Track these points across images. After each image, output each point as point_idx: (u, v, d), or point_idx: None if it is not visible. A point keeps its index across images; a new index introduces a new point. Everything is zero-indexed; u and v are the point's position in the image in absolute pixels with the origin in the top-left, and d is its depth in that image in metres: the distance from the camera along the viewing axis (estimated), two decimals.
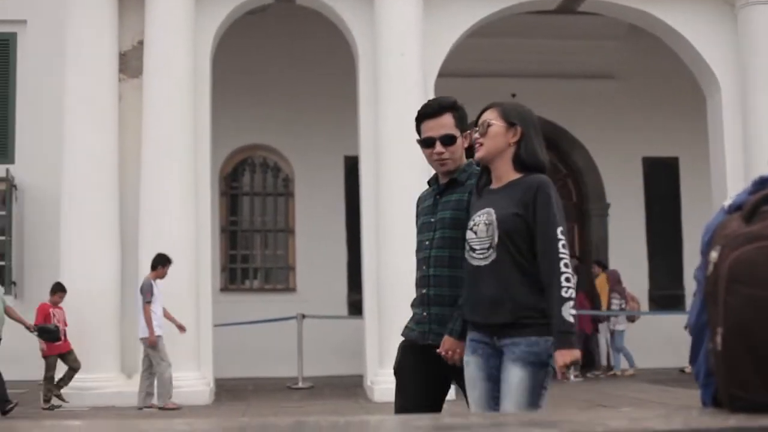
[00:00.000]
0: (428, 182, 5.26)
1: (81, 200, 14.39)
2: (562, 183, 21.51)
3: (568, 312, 4.27)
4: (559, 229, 4.37)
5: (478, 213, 4.59)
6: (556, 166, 21.54)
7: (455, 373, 4.85)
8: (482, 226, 4.52)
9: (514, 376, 4.44)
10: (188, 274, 14.40)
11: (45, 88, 18.64)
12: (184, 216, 14.45)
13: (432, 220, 5.03)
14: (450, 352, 4.76)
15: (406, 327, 5.12)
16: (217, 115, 16.29)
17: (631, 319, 19.08)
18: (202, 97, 15.03)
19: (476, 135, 4.67)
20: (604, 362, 19.63)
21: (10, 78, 19.61)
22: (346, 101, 16.79)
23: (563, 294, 4.28)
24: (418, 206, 5.27)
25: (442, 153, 4.96)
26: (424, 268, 5.00)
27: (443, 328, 4.82)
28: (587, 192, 21.43)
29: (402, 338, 5.14)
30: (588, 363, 18.97)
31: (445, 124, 4.98)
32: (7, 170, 18.71)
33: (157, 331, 13.33)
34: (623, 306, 18.87)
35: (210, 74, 15.39)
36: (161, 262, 13.54)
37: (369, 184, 15.11)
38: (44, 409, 13.43)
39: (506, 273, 4.43)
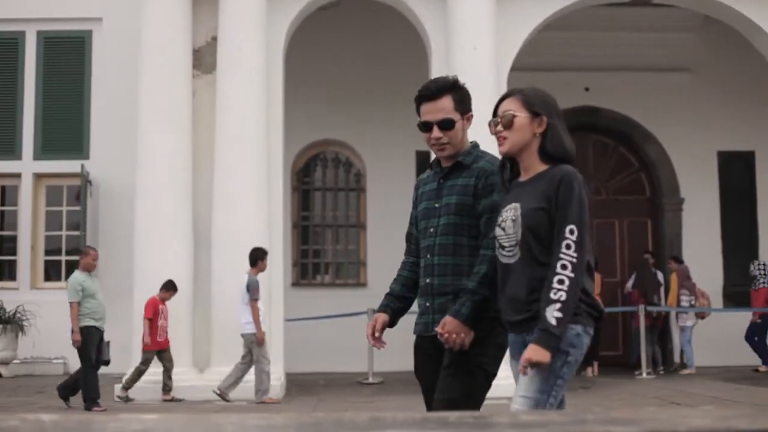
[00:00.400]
0: (430, 165, 5.01)
1: (155, 196, 14.51)
2: (634, 177, 21.32)
3: (552, 314, 4.03)
4: (569, 228, 4.11)
5: (506, 208, 4.36)
6: (628, 159, 21.35)
7: (445, 358, 4.64)
8: (509, 222, 4.30)
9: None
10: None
11: (119, 84, 18.84)
12: (256, 211, 14.50)
13: (436, 205, 4.79)
14: (453, 335, 4.53)
15: (416, 323, 4.92)
16: (290, 110, 16.33)
17: (701, 315, 18.79)
18: (274, 93, 15.08)
19: (499, 128, 4.38)
20: (677, 359, 19.41)
21: (85, 75, 19.84)
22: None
23: (551, 295, 4.05)
24: (417, 190, 5.00)
25: (440, 138, 4.74)
26: (428, 256, 4.77)
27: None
28: (661, 186, 21.18)
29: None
30: (658, 360, 18.76)
31: (444, 107, 4.76)
32: (82, 166, 18.94)
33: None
34: (692, 302, 18.61)
35: (282, 69, 15.43)
36: (260, 256, 13.53)
37: None
38: (119, 397, 13.52)
39: (531, 270, 4.23)
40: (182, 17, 14.96)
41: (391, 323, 4.97)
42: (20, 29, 19.94)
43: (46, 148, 19.74)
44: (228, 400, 13.14)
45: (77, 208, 19.35)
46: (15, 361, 18.55)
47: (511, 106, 4.37)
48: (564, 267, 4.07)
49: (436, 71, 15.24)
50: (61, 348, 18.77)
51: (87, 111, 19.77)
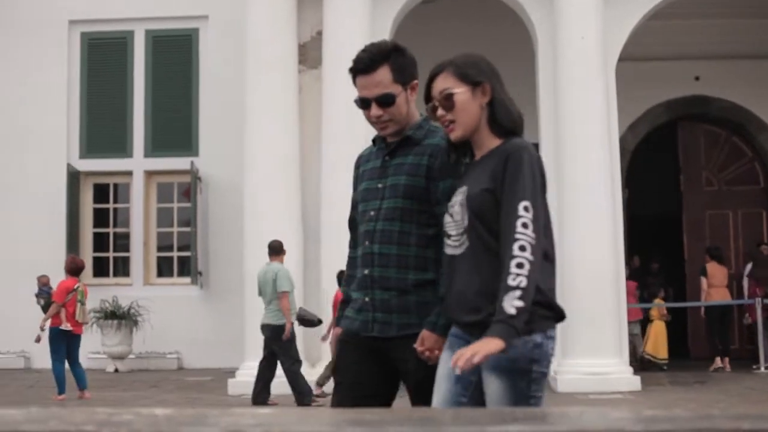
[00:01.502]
0: (373, 140, 4.40)
1: (263, 191, 14.62)
2: (748, 167, 20.87)
3: (511, 303, 3.42)
4: (523, 204, 3.48)
5: (456, 192, 3.78)
6: (741, 149, 20.91)
7: (405, 371, 4.09)
8: (457, 208, 3.73)
9: (493, 390, 3.67)
10: None
11: (227, 81, 19.04)
12: None
13: (379, 185, 4.18)
14: (434, 351, 3.93)
15: (345, 316, 4.29)
16: None
17: None
18: None
19: (440, 112, 3.74)
20: None
21: (192, 72, 20.10)
22: (525, 88, 16.63)
23: (510, 282, 3.43)
24: (357, 168, 4.40)
25: (380, 116, 4.11)
26: (367, 243, 4.14)
27: (389, 316, 4.09)
28: None
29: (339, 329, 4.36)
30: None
31: (381, 80, 4.09)
32: (192, 163, 19.20)
33: None
34: None
35: None
36: None
37: (550, 171, 14.94)
38: (316, 396, 12.95)
39: (478, 262, 3.66)
40: (287, 13, 15.05)
41: None
42: (129, 29, 20.27)
43: (156, 146, 20.05)
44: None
45: (187, 204, 19.61)
46: (130, 356, 18.87)
47: (447, 84, 3.73)
48: (522, 248, 3.44)
49: (543, 62, 15.13)
50: (175, 343, 19.07)
51: (195, 108, 20.03)
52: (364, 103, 4.14)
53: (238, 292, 14.85)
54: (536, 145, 15.66)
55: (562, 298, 13.05)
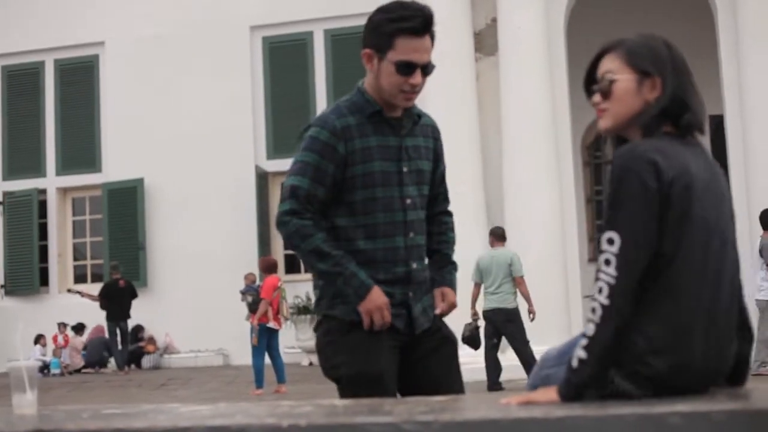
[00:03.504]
0: (352, 108, 3.81)
1: (447, 178, 14.67)
2: None
3: (577, 352, 2.75)
4: (606, 236, 2.74)
5: None
6: None
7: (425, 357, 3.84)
8: None
9: None
10: (554, 245, 14.39)
11: None
12: (548, 188, 14.46)
13: (404, 169, 3.80)
14: (449, 307, 3.91)
15: (394, 314, 3.78)
16: (575, 85, 16.15)
17: None
18: (558, 69, 14.98)
19: (596, 98, 3.06)
20: None
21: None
22: (707, 58, 16.28)
23: (585, 329, 2.84)
24: (345, 141, 3.74)
25: (418, 85, 3.74)
26: (410, 235, 3.81)
27: (426, 310, 3.86)
28: None
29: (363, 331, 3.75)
30: None
31: (428, 47, 3.73)
32: None
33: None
34: None
35: (565, 45, 15.30)
36: None
37: (736, 145, 14.60)
38: None
39: None
40: (462, 2, 15.08)
41: None
42: (308, 30, 20.66)
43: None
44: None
45: None
46: None
47: (611, 66, 3.05)
48: (600, 290, 2.72)
49: (723, 28, 14.76)
50: None
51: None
52: (409, 68, 3.68)
53: None
54: (720, 117, 15.34)
55: None
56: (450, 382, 3.82)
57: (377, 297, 3.67)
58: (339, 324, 3.75)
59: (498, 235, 13.09)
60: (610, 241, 2.74)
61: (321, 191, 3.70)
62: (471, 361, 13.61)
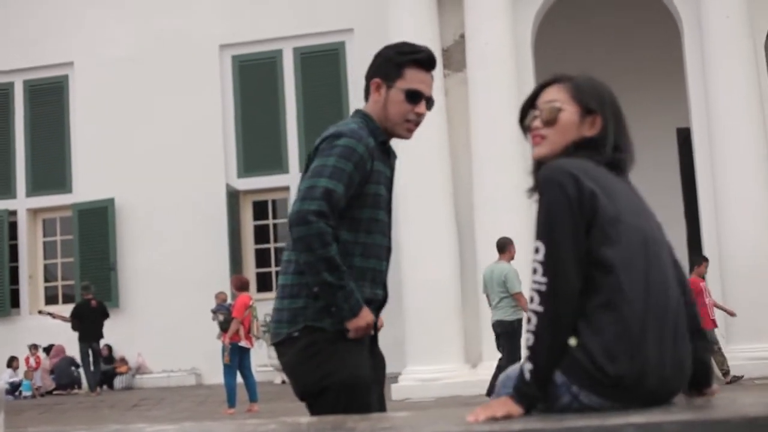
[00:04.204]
0: (368, 131, 3.94)
1: (417, 194, 14.74)
2: None
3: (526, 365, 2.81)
4: (534, 245, 2.86)
5: None
6: None
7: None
8: None
9: None
10: (524, 260, 14.39)
11: None
12: (518, 203, 14.47)
13: (389, 196, 4.00)
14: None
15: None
16: None
17: None
18: (526, 84, 15.04)
19: (537, 123, 3.15)
20: None
21: (342, 83, 20.35)
22: (673, 72, 16.40)
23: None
24: (367, 163, 3.84)
25: (422, 115, 3.96)
26: (383, 261, 3.95)
27: None
28: None
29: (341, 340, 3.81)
30: None
31: (432, 83, 4.03)
32: None
33: None
34: None
35: (532, 60, 15.40)
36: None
37: (703, 153, 14.74)
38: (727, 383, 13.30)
39: None
40: (429, 19, 15.17)
41: None
42: (277, 48, 20.68)
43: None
44: None
45: None
46: None
47: (558, 96, 3.13)
48: (531, 299, 2.81)
49: (689, 43, 14.89)
50: None
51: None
52: (416, 97, 3.92)
53: (395, 296, 14.96)
54: (687, 130, 15.47)
55: (723, 286, 12.69)
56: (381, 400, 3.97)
57: (367, 315, 3.75)
58: (325, 335, 3.75)
59: (498, 248, 12.93)
60: (536, 250, 2.82)
61: (344, 201, 3.76)
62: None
